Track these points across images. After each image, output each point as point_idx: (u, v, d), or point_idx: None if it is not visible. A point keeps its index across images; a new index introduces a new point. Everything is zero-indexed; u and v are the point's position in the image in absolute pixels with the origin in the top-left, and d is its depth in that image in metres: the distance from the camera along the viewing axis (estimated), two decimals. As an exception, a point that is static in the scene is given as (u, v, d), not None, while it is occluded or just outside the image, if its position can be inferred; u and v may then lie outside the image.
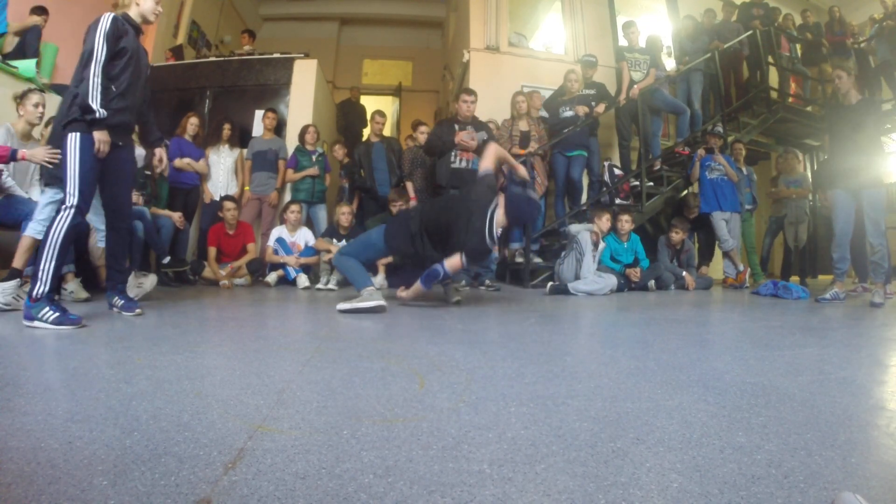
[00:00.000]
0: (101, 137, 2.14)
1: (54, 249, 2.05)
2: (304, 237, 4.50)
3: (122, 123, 2.26)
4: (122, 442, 0.85)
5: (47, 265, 2.03)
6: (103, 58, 2.10)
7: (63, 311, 1.98)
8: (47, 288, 2.00)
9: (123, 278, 2.51)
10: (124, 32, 2.22)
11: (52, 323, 1.93)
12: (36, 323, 1.94)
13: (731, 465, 0.81)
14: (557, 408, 1.08)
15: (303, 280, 4.21)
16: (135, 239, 3.15)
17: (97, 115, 2.08)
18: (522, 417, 1.02)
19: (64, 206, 2.10)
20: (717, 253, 5.20)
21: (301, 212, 4.56)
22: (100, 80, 2.10)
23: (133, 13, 2.31)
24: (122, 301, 2.39)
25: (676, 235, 4.60)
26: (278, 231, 4.46)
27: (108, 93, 2.15)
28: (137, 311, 2.35)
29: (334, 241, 4.39)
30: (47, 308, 1.96)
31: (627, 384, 1.27)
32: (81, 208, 2.12)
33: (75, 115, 2.10)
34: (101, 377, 1.24)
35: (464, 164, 4.12)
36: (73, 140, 2.10)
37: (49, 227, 2.08)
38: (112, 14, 2.19)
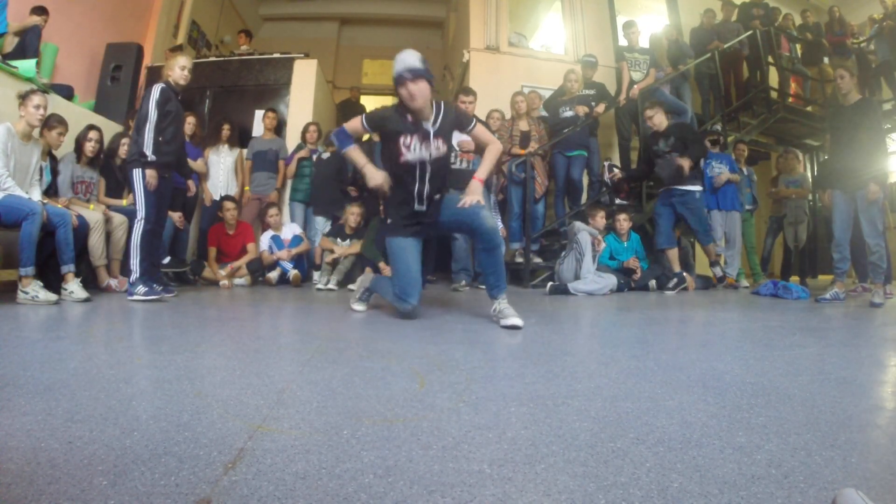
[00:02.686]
0: (150, 174, 3.00)
1: (137, 249, 3.00)
2: (291, 230, 4.64)
3: (169, 162, 3.14)
4: (122, 442, 0.85)
5: (135, 261, 2.98)
6: (155, 121, 2.97)
7: (150, 287, 2.94)
8: (138, 274, 2.97)
9: (156, 269, 3.28)
10: (169, 98, 3.04)
11: (143, 295, 2.89)
12: (134, 296, 2.90)
13: (731, 465, 0.81)
14: (557, 408, 1.08)
15: (292, 273, 4.28)
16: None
17: (149, 158, 2.97)
18: (522, 417, 1.02)
19: (137, 220, 3.04)
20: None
21: (279, 213, 4.67)
22: (152, 137, 2.96)
23: (173, 82, 3.11)
24: (161, 287, 3.12)
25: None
26: (269, 232, 4.54)
27: (158, 143, 3.00)
28: (175, 293, 3.22)
29: (338, 240, 4.39)
30: (140, 286, 2.92)
31: (627, 384, 1.27)
32: (149, 220, 3.05)
33: (136, 157, 3.01)
34: (101, 377, 1.24)
35: (464, 164, 4.12)
36: (138, 175, 3.01)
37: (131, 235, 3.08)
38: (160, 86, 3.03)
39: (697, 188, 4.25)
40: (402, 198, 2.37)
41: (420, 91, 2.17)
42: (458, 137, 4.07)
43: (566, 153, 4.71)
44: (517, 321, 2.13)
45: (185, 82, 3.16)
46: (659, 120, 4.27)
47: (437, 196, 2.38)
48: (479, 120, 4.23)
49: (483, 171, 2.36)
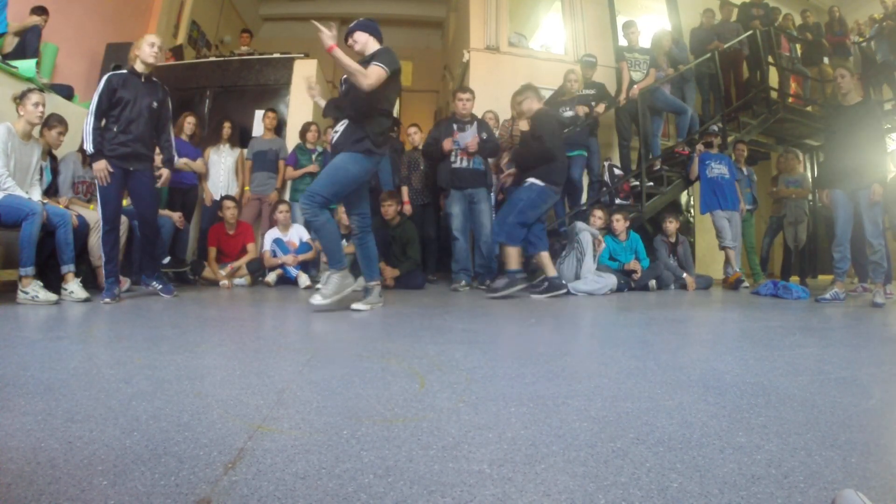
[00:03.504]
0: (96, 167, 2.81)
1: (101, 253, 2.96)
2: (298, 234, 4.53)
3: (128, 153, 2.90)
4: (122, 442, 0.85)
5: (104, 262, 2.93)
6: (94, 110, 2.81)
7: (106, 290, 2.87)
8: (104, 276, 2.93)
9: (156, 266, 3.24)
10: (119, 85, 2.86)
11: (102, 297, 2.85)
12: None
13: (731, 465, 0.81)
14: (557, 408, 1.08)
15: (304, 279, 4.21)
16: (132, 236, 3.42)
17: (88, 151, 2.83)
18: (522, 417, 1.02)
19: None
20: (719, 253, 5.19)
21: (290, 210, 4.58)
22: (91, 128, 2.80)
23: (137, 65, 2.94)
24: (161, 285, 3.15)
25: (671, 225, 4.61)
26: (272, 233, 4.47)
27: (109, 133, 2.85)
28: (175, 293, 3.15)
29: None
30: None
31: (627, 384, 1.27)
32: (107, 221, 2.89)
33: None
34: (101, 377, 1.24)
35: (464, 163, 4.12)
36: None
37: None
38: (107, 75, 2.91)
39: (531, 180, 3.49)
40: None
41: (355, 40, 2.70)
42: (464, 140, 4.08)
43: (566, 153, 4.70)
44: (315, 300, 2.55)
45: (156, 60, 2.97)
46: (528, 106, 3.62)
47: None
48: (480, 120, 4.25)
49: (337, 51, 2.42)
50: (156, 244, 3.24)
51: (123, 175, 2.91)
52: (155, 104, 2.98)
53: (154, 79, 3.04)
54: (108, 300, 2.78)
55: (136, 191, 3.02)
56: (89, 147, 2.81)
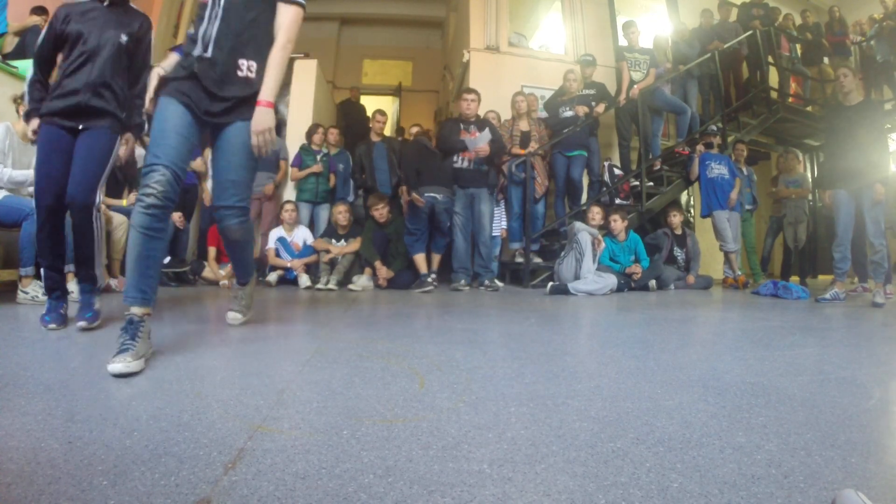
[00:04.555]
0: (29, 126, 2.04)
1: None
2: (303, 236, 4.52)
3: (73, 107, 1.93)
4: (122, 442, 0.85)
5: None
6: (36, 56, 2.03)
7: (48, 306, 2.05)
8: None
9: (89, 272, 2.16)
10: (74, 15, 1.96)
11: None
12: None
13: (731, 465, 0.81)
14: (557, 408, 1.08)
15: (304, 280, 4.21)
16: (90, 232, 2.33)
17: (27, 107, 2.05)
18: (522, 417, 1.02)
19: None
20: (719, 253, 5.20)
21: (296, 210, 4.57)
22: (30, 81, 2.05)
23: None
24: (88, 303, 2.10)
25: (675, 218, 4.61)
26: (277, 232, 4.46)
27: (39, 84, 2.03)
28: (94, 324, 2.04)
29: (332, 241, 4.39)
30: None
31: (627, 384, 1.27)
32: (36, 209, 2.03)
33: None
34: (101, 377, 1.24)
35: (465, 163, 4.13)
36: None
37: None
38: (57, 8, 2.03)
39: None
40: (188, 45, 1.77)
41: None
42: (472, 145, 4.08)
43: (566, 153, 4.71)
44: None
45: None
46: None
47: (235, 57, 1.71)
48: (484, 120, 4.25)
49: (267, 89, 1.71)
50: (87, 238, 2.10)
51: (69, 138, 1.95)
52: (124, 38, 2.00)
53: (131, 5, 2.10)
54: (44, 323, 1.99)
55: (76, 152, 1.96)
56: (25, 102, 2.05)
